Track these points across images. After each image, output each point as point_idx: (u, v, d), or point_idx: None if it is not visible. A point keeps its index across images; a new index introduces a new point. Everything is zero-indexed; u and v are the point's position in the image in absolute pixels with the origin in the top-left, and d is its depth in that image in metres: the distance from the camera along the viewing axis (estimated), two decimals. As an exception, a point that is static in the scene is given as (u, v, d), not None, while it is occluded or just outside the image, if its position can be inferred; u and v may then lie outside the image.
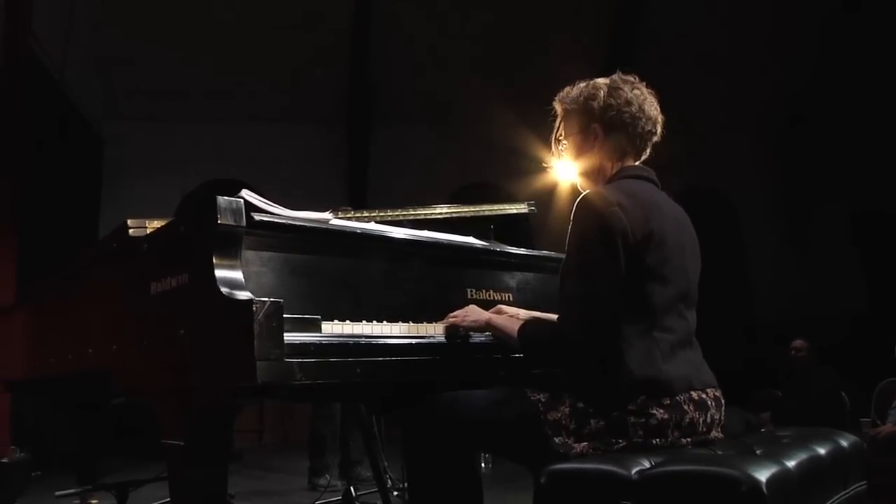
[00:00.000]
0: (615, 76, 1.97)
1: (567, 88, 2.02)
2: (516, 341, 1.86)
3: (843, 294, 10.97)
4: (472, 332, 2.00)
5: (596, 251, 1.74)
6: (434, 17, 10.00)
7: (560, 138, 2.05)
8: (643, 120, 1.92)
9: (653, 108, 1.95)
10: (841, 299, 10.82)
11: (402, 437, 1.90)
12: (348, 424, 4.81)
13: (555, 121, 2.06)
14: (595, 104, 1.92)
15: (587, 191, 1.85)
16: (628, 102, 1.90)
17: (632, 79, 1.97)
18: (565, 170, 2.12)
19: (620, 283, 1.72)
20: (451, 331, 1.99)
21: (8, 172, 5.19)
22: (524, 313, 2.09)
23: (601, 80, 1.97)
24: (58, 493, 3.16)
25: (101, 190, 9.90)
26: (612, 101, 1.91)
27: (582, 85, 1.99)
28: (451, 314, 2.02)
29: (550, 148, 2.09)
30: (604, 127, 1.93)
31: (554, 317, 1.89)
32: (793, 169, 11.67)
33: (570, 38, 10.01)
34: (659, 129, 1.97)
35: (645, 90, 1.96)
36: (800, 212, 11.65)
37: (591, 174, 1.99)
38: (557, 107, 2.04)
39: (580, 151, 1.98)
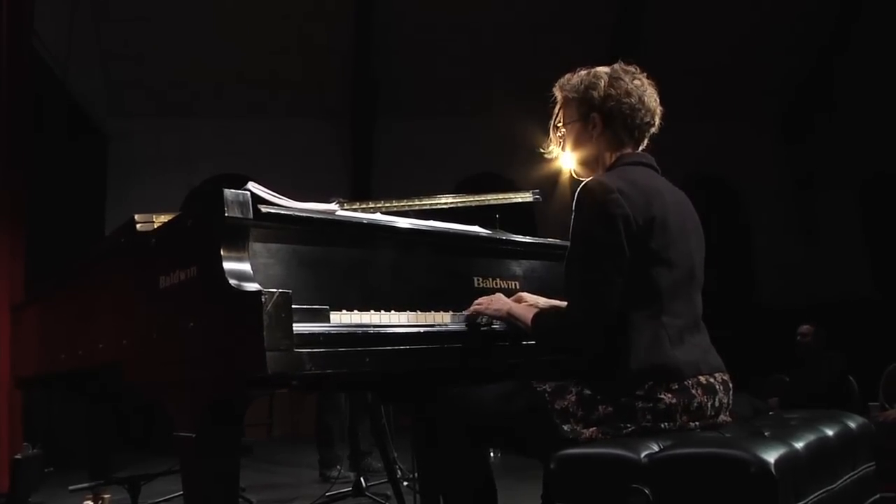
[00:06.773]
0: (616, 66, 1.97)
1: (568, 75, 2.03)
2: (531, 330, 1.88)
3: (850, 278, 10.95)
4: (492, 321, 2.01)
5: (599, 238, 1.75)
6: (437, 7, 9.97)
7: (559, 125, 2.05)
8: (642, 111, 1.93)
9: (652, 99, 1.96)
10: (848, 283, 10.80)
11: (413, 431, 1.90)
12: (357, 415, 4.83)
13: (555, 107, 2.07)
14: (595, 94, 1.93)
15: (588, 179, 1.86)
16: (628, 94, 1.91)
17: (632, 69, 1.98)
18: (568, 158, 2.13)
19: (625, 269, 1.74)
20: (473, 316, 2.01)
21: (16, 171, 5.19)
22: (543, 301, 2.10)
23: (602, 70, 1.98)
24: (71, 487, 3.19)
25: (107, 187, 9.92)
26: (613, 91, 1.92)
27: (583, 73, 1.99)
28: (477, 300, 2.03)
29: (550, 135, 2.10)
30: (603, 117, 1.94)
31: None
32: (799, 154, 11.64)
33: (574, 25, 9.98)
34: (657, 121, 1.98)
35: (645, 81, 1.97)
36: (806, 196, 11.62)
37: (589, 163, 2.00)
38: (557, 93, 2.04)
39: (578, 140, 2.00)
